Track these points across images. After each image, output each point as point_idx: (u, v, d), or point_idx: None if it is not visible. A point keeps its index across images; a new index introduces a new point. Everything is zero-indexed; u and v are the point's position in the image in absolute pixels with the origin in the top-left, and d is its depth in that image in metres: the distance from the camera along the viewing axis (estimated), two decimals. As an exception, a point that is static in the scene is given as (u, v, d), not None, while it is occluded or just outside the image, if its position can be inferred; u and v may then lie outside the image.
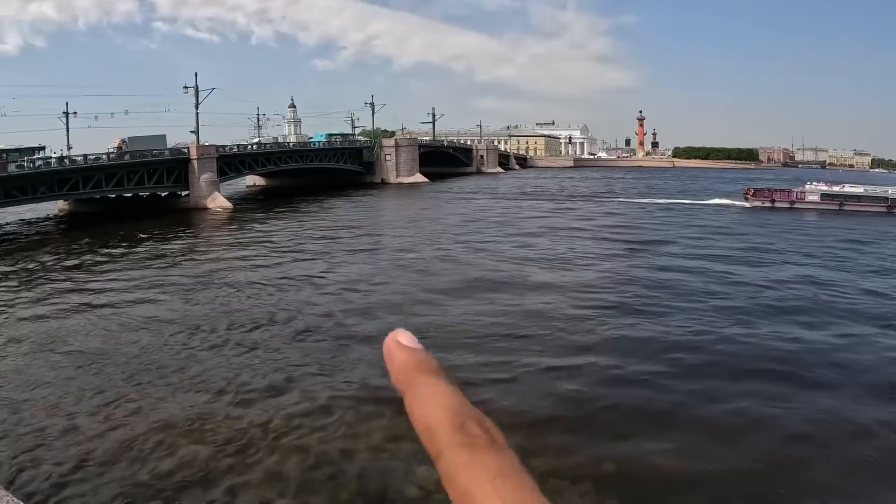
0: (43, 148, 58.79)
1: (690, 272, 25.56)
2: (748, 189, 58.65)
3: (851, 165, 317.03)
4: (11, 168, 50.16)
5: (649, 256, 29.48)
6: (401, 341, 0.64)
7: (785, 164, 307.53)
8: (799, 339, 16.53)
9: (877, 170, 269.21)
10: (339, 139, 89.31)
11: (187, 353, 15.31)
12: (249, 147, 74.67)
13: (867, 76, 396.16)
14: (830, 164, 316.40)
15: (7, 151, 55.97)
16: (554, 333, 16.55)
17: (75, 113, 66.64)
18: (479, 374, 13.69)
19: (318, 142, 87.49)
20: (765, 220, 45.68)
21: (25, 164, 50.94)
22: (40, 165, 51.63)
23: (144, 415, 11.88)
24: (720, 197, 62.43)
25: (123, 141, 60.39)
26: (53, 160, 53.25)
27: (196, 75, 65.19)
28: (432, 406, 0.56)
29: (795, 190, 56.57)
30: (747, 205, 55.89)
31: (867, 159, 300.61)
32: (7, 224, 57.79)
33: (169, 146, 63.42)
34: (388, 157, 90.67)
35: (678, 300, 20.41)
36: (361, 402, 12.09)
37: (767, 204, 55.33)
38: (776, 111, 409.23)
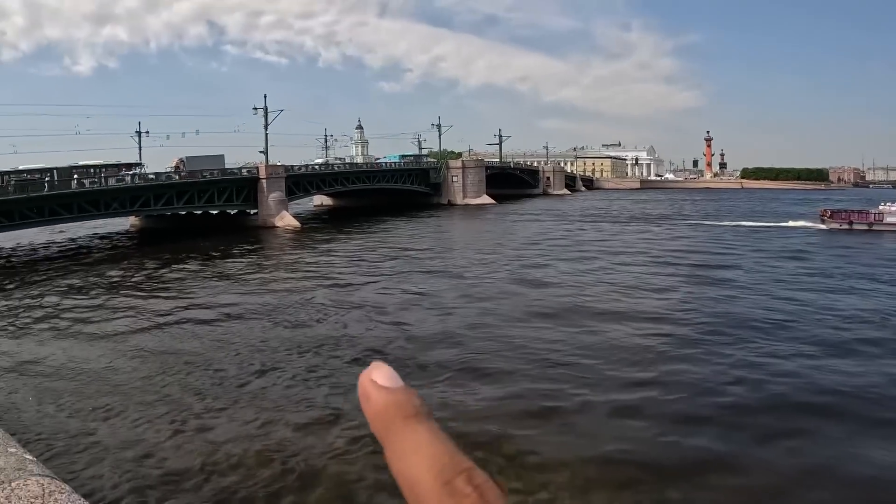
0: (140, 164, 60.03)
1: (765, 300, 23.05)
2: (825, 210, 55.40)
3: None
4: (111, 182, 52.44)
5: (719, 283, 26.93)
6: (377, 380, 0.55)
7: (855, 185, 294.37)
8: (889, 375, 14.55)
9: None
10: (412, 160, 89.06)
11: (250, 370, 14.83)
12: (315, 167, 74.70)
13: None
14: None
15: (106, 166, 57.66)
16: (611, 365, 14.96)
17: (147, 132, 67.90)
18: (525, 407, 12.66)
19: (392, 162, 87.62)
20: (844, 243, 42.33)
21: (127, 178, 53.16)
22: (138, 181, 53.38)
23: (208, 429, 11.75)
24: (795, 219, 58.92)
25: (181, 160, 60.95)
26: (138, 175, 54.33)
27: (265, 97, 65.84)
28: (416, 458, 0.49)
29: (873, 211, 52.96)
30: (824, 227, 52.59)
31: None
32: (80, 238, 58.96)
33: (239, 166, 63.88)
34: (454, 179, 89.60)
35: (750, 331, 18.19)
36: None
37: (845, 226, 51.85)
38: (846, 129, 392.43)
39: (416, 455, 0.49)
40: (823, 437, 11.59)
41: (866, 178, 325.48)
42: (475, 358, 15.23)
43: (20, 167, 53.01)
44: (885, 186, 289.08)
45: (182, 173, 56.83)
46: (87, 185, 50.00)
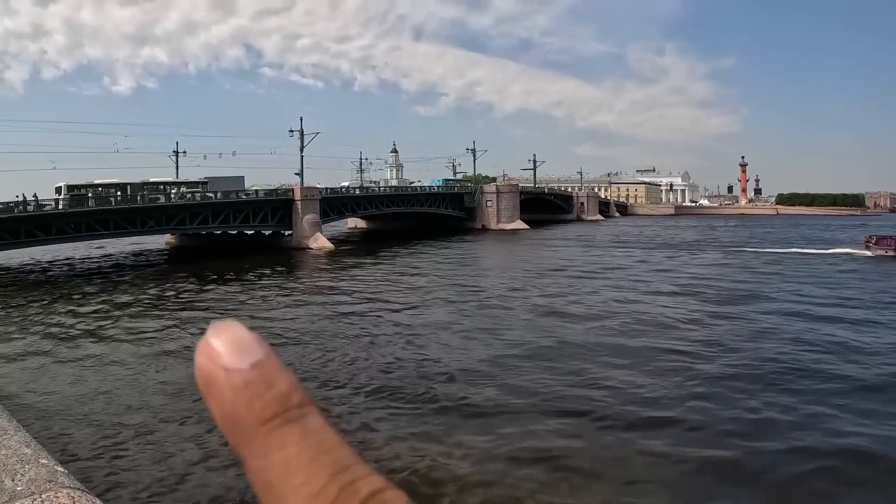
0: (206, 183, 60.85)
1: (808, 335, 20.80)
2: (870, 237, 53.22)
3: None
4: (173, 198, 54.53)
5: (754, 315, 24.42)
6: (225, 356, 0.39)
7: (892, 210, 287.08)
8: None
9: None
10: (456, 185, 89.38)
11: None
12: (350, 190, 74.75)
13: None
14: None
15: (175, 184, 59.18)
16: (627, 411, 13.37)
17: (185, 152, 68.57)
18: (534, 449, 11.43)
19: (436, 186, 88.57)
20: (892, 270, 40.25)
21: (185, 194, 55.55)
22: (198, 199, 54.69)
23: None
24: (837, 245, 56.84)
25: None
26: (175, 193, 55.07)
27: (301, 120, 66.42)
28: (292, 480, 0.37)
29: None
30: (869, 253, 50.47)
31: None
32: (117, 254, 59.43)
33: (274, 187, 64.06)
34: (489, 204, 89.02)
35: (791, 375, 16.15)
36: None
37: (891, 252, 49.56)
38: (883, 154, 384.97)
39: (293, 475, 0.37)
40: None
41: None
42: (483, 393, 14.29)
43: (96, 181, 55.04)
44: None
45: (212, 193, 57.32)
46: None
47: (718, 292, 30.11)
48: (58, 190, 57.73)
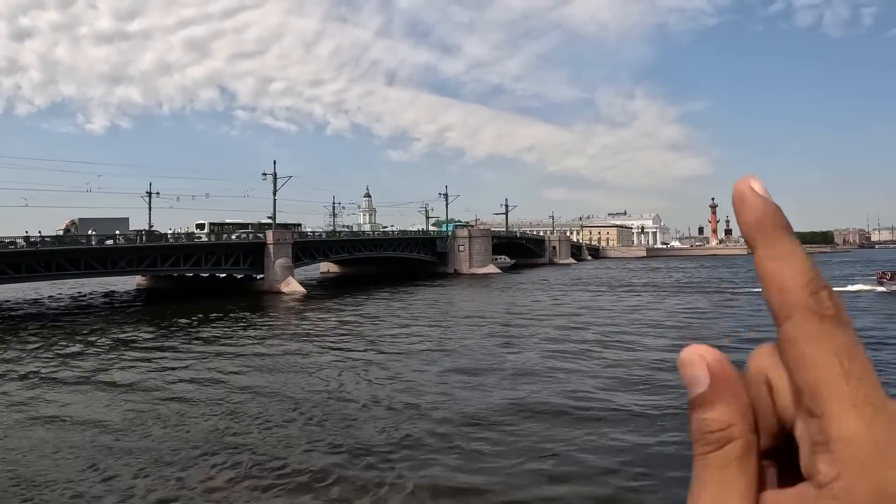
0: (270, 225, 62.17)
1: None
2: (883, 273, 53.76)
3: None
4: (233, 237, 58.43)
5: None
6: (755, 188, 0.52)
7: (861, 246, 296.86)
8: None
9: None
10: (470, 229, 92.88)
11: (236, 433, 14.27)
12: (322, 234, 75.27)
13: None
14: None
15: (249, 225, 61.26)
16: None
17: (158, 193, 68.38)
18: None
19: (449, 231, 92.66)
20: None
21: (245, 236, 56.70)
22: (146, 241, 54.24)
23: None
24: (850, 283, 56.15)
25: (73, 222, 58.45)
26: (145, 235, 55.23)
27: (274, 163, 66.67)
28: (788, 264, 0.47)
29: None
30: (884, 289, 50.73)
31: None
32: (87, 295, 58.89)
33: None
34: (461, 248, 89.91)
35: None
36: None
37: None
38: (851, 191, 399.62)
39: (788, 262, 0.47)
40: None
41: (871, 239, 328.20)
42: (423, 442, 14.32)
43: (227, 221, 59.49)
44: (892, 246, 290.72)
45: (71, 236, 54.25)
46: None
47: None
48: (199, 227, 66.81)
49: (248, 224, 69.93)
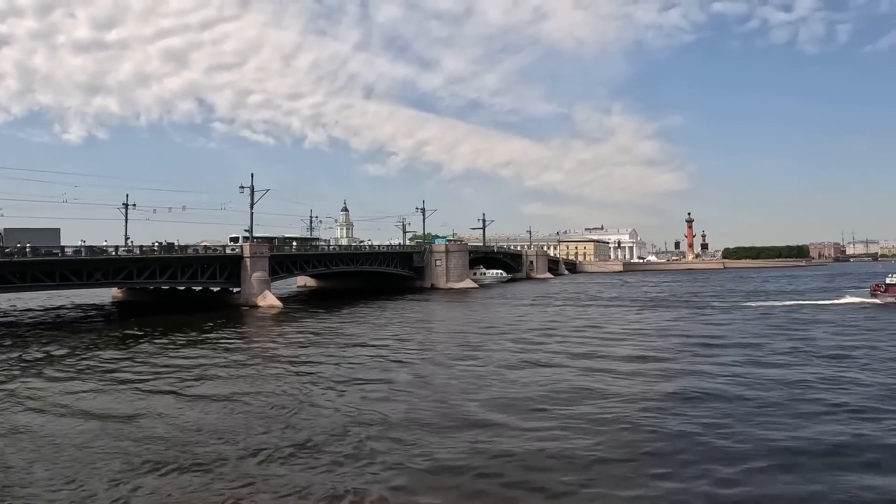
0: (316, 239, 62.51)
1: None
2: (877, 285, 53.95)
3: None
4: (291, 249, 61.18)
5: (758, 381, 21.86)
6: None
7: (836, 259, 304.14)
8: None
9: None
10: (480, 245, 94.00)
11: (208, 451, 14.41)
12: (291, 248, 75.39)
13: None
14: (882, 255, 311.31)
15: (299, 239, 62.26)
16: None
17: (134, 205, 67.91)
18: None
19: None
20: None
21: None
22: (122, 253, 53.00)
23: None
24: (845, 296, 57.29)
25: None
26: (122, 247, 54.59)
27: (252, 176, 66.30)
28: None
29: None
30: (878, 301, 51.41)
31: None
32: (62, 307, 58.51)
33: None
34: (438, 263, 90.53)
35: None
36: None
37: None
38: (826, 206, 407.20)
39: None
40: None
41: (846, 253, 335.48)
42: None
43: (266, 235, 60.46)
44: (866, 259, 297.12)
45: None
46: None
47: (773, 349, 29.01)
48: (233, 240, 68.72)
49: (275, 238, 74.17)
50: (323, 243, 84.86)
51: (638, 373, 24.27)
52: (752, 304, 56.14)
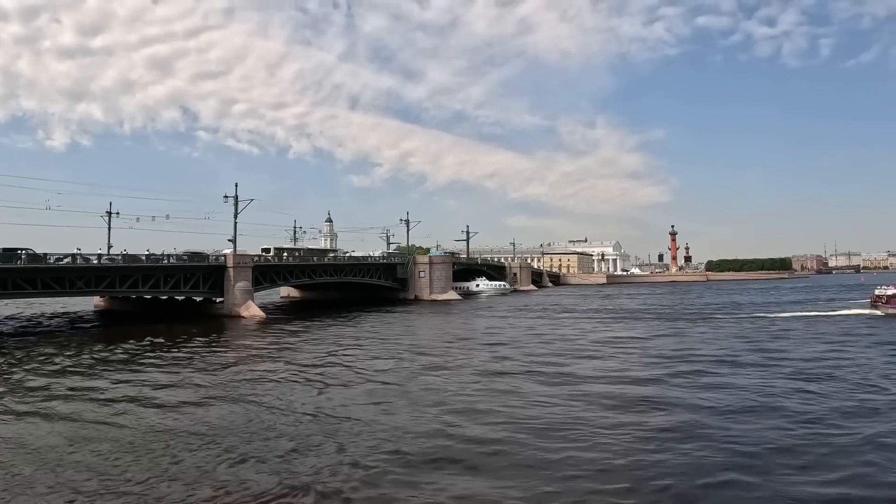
0: (335, 251, 63.25)
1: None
2: (877, 297, 53.83)
3: (886, 267, 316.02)
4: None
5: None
6: None
7: (819, 272, 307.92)
8: None
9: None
10: (464, 257, 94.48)
11: (186, 460, 14.01)
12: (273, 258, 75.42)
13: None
14: (864, 267, 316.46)
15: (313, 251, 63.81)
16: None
17: (118, 213, 67.85)
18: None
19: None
20: None
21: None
22: (105, 261, 52.53)
23: None
24: (847, 307, 58.00)
25: None
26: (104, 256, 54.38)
27: (236, 186, 66.11)
28: None
29: None
30: (879, 313, 51.11)
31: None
32: (42, 315, 58.37)
33: (208, 253, 63.59)
34: (421, 274, 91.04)
35: None
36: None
37: None
38: (808, 218, 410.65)
39: None
40: None
41: (829, 265, 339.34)
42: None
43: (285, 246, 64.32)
44: (849, 271, 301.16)
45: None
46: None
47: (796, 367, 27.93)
48: (265, 251, 72.03)
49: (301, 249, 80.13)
50: (332, 254, 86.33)
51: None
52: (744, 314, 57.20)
